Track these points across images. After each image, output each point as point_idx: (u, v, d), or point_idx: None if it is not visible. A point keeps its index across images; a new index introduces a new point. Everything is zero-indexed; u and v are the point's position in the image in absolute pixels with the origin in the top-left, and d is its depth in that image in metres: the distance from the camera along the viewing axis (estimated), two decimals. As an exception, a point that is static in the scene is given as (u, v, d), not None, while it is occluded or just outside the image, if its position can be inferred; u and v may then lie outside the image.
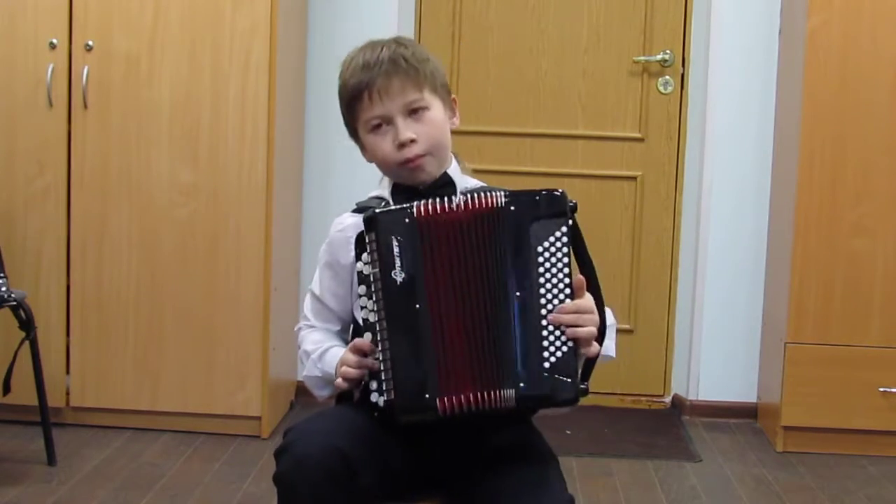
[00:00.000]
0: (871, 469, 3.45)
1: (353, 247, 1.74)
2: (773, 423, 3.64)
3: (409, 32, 4.00)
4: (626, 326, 4.05)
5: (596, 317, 1.68)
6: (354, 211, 1.89)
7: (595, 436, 3.71)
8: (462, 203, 1.68)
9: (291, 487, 1.64)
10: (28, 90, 3.43)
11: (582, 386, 1.67)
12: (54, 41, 3.41)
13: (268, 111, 3.43)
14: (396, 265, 1.67)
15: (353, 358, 1.72)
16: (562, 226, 1.67)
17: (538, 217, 1.67)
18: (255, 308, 3.47)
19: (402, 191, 1.86)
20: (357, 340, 1.73)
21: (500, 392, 1.65)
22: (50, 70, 3.41)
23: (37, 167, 3.46)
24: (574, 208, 1.69)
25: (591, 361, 1.70)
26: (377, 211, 1.70)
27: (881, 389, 3.51)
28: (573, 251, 1.69)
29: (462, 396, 1.65)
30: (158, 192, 3.46)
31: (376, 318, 1.67)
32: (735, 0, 3.84)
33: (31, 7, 3.41)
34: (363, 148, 1.88)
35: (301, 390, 3.90)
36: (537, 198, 1.68)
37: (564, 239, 1.67)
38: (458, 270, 1.67)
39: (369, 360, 1.69)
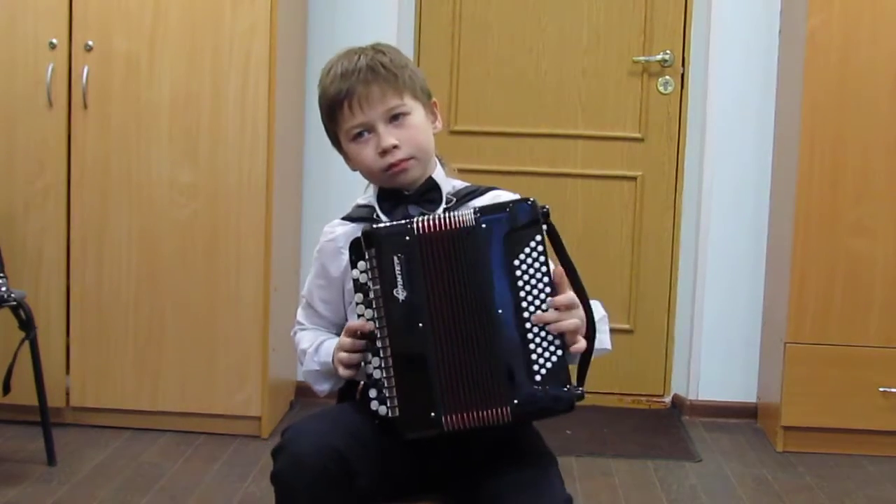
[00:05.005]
0: (871, 469, 3.45)
1: (345, 255, 1.76)
2: (773, 423, 3.64)
3: (409, 32, 4.00)
4: (626, 326, 4.05)
5: (580, 310, 1.68)
6: (344, 219, 1.90)
7: (595, 436, 3.70)
8: (443, 222, 1.67)
9: (288, 487, 1.65)
10: (28, 90, 3.43)
11: (577, 391, 1.66)
12: (54, 41, 3.41)
13: (268, 111, 3.43)
14: (398, 283, 1.67)
15: (348, 341, 1.72)
16: (536, 234, 1.66)
17: (511, 230, 1.66)
18: (255, 308, 3.47)
19: (387, 196, 1.85)
20: (350, 322, 1.73)
21: (497, 410, 1.65)
22: (50, 70, 3.41)
23: (37, 167, 3.46)
24: (547, 214, 1.68)
25: (585, 360, 1.70)
26: (377, 227, 1.70)
27: (881, 389, 3.51)
28: (554, 252, 1.69)
29: (465, 414, 1.66)
30: (158, 192, 3.46)
31: (379, 335, 1.68)
32: (735, 0, 3.84)
33: (31, 7, 3.41)
34: (346, 157, 1.89)
35: (301, 390, 3.90)
36: (507, 210, 1.67)
37: (540, 248, 1.66)
38: (451, 288, 1.67)
39: (361, 343, 1.70)
